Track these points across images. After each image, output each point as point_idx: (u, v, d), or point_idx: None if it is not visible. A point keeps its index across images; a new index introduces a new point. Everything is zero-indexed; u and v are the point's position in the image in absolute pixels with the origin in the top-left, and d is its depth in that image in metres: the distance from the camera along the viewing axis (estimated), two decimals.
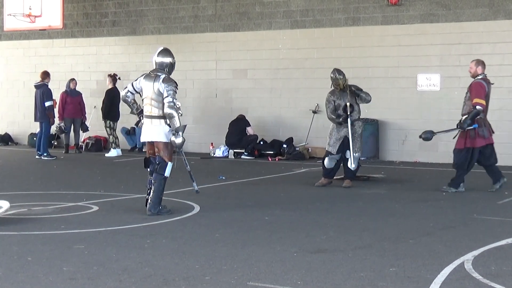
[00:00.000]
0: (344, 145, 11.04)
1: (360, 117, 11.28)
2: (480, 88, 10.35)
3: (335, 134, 11.08)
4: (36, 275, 5.69)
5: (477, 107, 10.22)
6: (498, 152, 14.38)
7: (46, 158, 15.53)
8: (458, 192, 10.48)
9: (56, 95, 16.72)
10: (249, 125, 16.34)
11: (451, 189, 10.49)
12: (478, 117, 10.30)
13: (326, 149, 11.21)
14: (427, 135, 10.93)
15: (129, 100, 8.82)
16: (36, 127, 16.60)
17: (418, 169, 13.91)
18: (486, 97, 10.40)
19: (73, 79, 17.21)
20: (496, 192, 10.56)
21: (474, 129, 10.36)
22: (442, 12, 14.88)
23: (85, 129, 17.27)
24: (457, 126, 10.54)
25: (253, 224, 8.04)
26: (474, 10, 14.59)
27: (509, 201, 9.83)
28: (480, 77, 10.45)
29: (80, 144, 17.52)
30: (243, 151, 16.08)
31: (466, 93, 10.51)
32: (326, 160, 11.17)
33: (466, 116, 10.34)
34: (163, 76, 8.51)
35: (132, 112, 9.06)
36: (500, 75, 14.40)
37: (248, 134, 16.28)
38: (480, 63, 10.54)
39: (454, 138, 10.74)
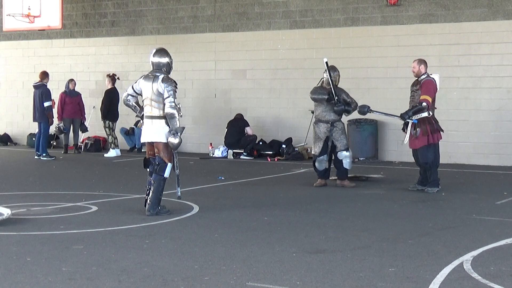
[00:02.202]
0: (329, 146, 11.05)
1: (341, 119, 11.28)
2: (430, 86, 10.43)
3: (317, 136, 11.10)
4: (35, 275, 5.69)
5: (423, 103, 10.28)
6: (498, 152, 14.51)
7: (45, 158, 15.53)
8: (456, 192, 10.49)
9: (55, 96, 16.73)
10: (248, 125, 16.34)
11: (434, 189, 10.47)
12: (427, 114, 10.35)
13: (312, 152, 11.27)
14: (363, 109, 10.81)
15: (130, 104, 8.80)
16: (35, 128, 16.60)
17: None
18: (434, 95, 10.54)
19: (72, 80, 17.22)
20: (495, 192, 10.58)
21: (433, 125, 10.41)
22: (441, 13, 14.88)
23: (85, 129, 17.28)
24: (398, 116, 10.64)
25: (252, 224, 8.04)
26: (473, 10, 14.60)
27: (507, 201, 9.83)
28: (425, 75, 10.49)
29: (79, 144, 17.53)
30: (242, 151, 16.09)
31: (415, 91, 10.49)
32: (316, 164, 11.18)
33: (410, 108, 10.44)
34: (162, 76, 8.50)
35: (137, 116, 9.04)
36: (499, 76, 14.43)
37: (247, 134, 16.28)
38: (423, 62, 10.58)
39: (405, 143, 10.72)
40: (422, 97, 10.31)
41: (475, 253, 6.48)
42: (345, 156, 11.04)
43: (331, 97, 10.98)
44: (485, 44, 14.50)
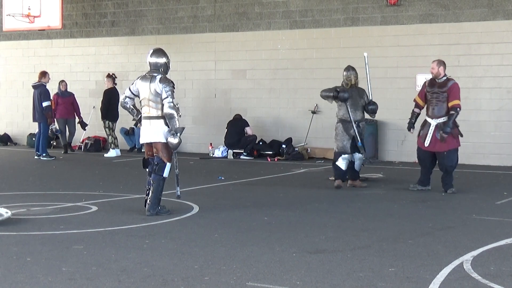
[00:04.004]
0: (352, 146, 11.00)
1: (364, 117, 11.27)
2: (458, 90, 10.44)
3: (343, 134, 10.93)
4: (35, 275, 5.69)
5: (458, 109, 10.31)
6: (498, 152, 14.52)
7: (45, 158, 15.53)
8: (456, 192, 10.48)
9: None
10: (248, 125, 16.35)
11: (453, 190, 10.46)
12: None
13: (337, 150, 10.99)
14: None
15: (128, 106, 8.76)
16: (35, 128, 16.61)
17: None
18: None
19: (62, 81, 17.29)
20: (495, 192, 10.59)
21: (457, 128, 10.43)
22: (441, 13, 14.89)
23: (84, 125, 17.25)
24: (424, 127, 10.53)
25: (252, 224, 8.04)
26: (473, 10, 14.60)
27: (507, 201, 9.83)
28: (445, 77, 10.43)
29: (79, 144, 17.56)
30: (242, 151, 16.09)
31: (439, 93, 10.37)
32: (340, 161, 10.94)
33: (447, 119, 10.33)
34: (159, 76, 8.49)
35: (134, 119, 9.02)
36: (499, 76, 14.43)
37: (247, 134, 16.28)
38: (442, 63, 10.53)
39: (426, 145, 10.47)
40: (455, 102, 10.27)
41: (475, 253, 6.48)
42: (358, 158, 11.01)
43: (336, 95, 10.91)
44: (485, 44, 14.50)
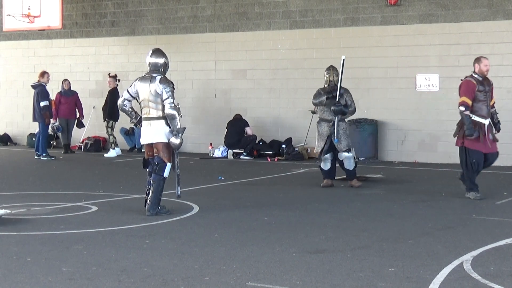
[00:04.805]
0: (332, 145, 11.05)
1: (345, 119, 11.26)
2: None
3: (318, 134, 11.15)
4: (35, 275, 5.70)
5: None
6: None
7: (45, 158, 15.54)
8: (456, 192, 10.48)
9: (54, 96, 16.76)
10: (248, 125, 16.34)
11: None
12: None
13: (314, 151, 11.37)
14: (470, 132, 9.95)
15: (126, 109, 8.74)
16: (35, 128, 16.61)
17: (417, 169, 13.92)
18: None
19: (65, 80, 17.27)
20: (495, 192, 10.59)
21: None
22: (441, 13, 14.88)
23: (81, 126, 17.23)
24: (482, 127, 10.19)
25: (252, 224, 8.04)
26: (473, 10, 14.59)
27: (507, 201, 9.84)
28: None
29: (79, 144, 17.54)
30: (242, 151, 16.09)
31: (489, 92, 10.09)
32: (321, 162, 11.19)
33: (493, 117, 10.31)
34: (159, 77, 8.50)
35: (132, 121, 9.02)
36: (499, 75, 14.40)
37: (247, 134, 16.28)
38: None
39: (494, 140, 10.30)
40: (494, 99, 10.26)
41: (475, 253, 6.49)
42: (345, 157, 11.01)
43: (331, 96, 10.98)
44: (485, 44, 14.49)
